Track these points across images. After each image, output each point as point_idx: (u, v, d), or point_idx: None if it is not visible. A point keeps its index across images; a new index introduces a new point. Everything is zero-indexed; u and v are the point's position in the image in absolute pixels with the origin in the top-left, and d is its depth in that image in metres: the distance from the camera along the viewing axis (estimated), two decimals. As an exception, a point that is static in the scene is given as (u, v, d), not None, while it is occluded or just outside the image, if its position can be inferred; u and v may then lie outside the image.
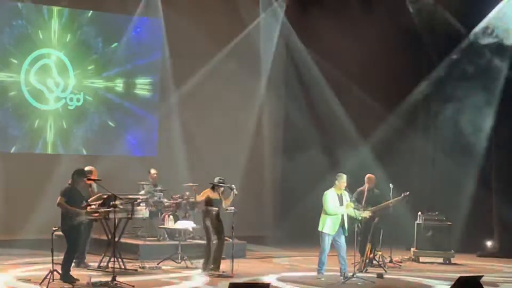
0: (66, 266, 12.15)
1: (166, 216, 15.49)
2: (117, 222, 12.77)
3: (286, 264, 15.73)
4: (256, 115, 20.30)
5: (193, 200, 15.60)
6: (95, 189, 13.79)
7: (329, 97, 19.31)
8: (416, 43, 18.75)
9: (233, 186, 13.79)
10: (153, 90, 19.37)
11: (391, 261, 15.61)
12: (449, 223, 16.62)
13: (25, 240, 15.93)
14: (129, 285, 11.92)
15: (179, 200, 15.90)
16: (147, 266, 14.06)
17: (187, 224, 15.13)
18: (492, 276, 14.16)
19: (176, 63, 18.94)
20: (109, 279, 12.01)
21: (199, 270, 13.86)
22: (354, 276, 13.41)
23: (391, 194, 15.15)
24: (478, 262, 16.84)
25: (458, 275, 10.77)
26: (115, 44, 18.78)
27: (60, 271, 12.05)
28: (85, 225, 12.90)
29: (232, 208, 13.68)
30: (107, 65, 18.76)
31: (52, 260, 11.95)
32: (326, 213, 13.36)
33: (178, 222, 15.24)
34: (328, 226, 13.35)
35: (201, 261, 14.02)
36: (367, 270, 14.41)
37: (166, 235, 15.64)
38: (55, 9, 18.11)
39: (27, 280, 12.39)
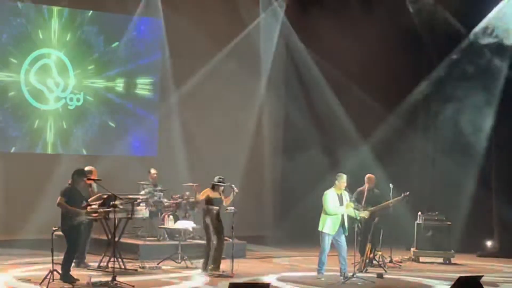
0: (66, 266, 12.15)
1: (166, 216, 15.50)
2: (117, 222, 12.77)
3: (286, 264, 15.73)
4: (256, 115, 20.30)
5: (193, 200, 15.62)
6: (95, 189, 13.79)
7: (329, 97, 19.31)
8: (416, 43, 18.75)
9: (233, 185, 13.80)
10: (153, 90, 19.37)
11: (391, 261, 15.61)
12: (449, 223, 16.62)
13: (25, 240, 15.94)
14: (129, 285, 11.92)
15: (179, 200, 15.91)
16: (147, 266, 14.06)
17: (187, 224, 15.13)
18: (492, 276, 14.16)
19: (176, 63, 18.94)
20: (109, 279, 12.01)
21: (199, 270, 13.86)
22: (354, 276, 13.41)
23: (391, 194, 15.15)
24: (478, 262, 16.84)
25: (458, 275, 10.78)
26: (115, 44, 18.79)
27: (60, 271, 12.05)
28: (85, 225, 12.90)
29: (232, 208, 13.69)
30: (107, 65, 18.77)
31: (52, 260, 11.95)
32: (326, 213, 13.37)
33: (178, 222, 15.24)
34: (328, 226, 13.35)
35: (201, 261, 14.02)
36: (367, 270, 14.41)
37: (166, 235, 15.64)
38: (55, 9, 18.12)
39: (27, 280, 12.39)
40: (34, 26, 17.91)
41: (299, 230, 18.52)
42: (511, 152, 18.04)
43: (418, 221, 16.64)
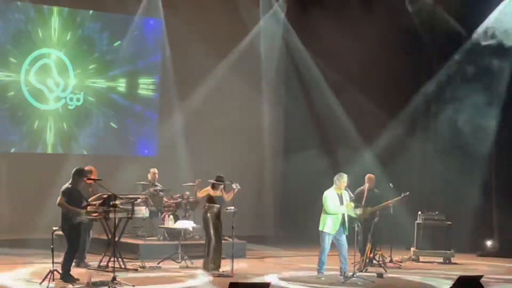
0: (66, 265, 12.16)
1: (166, 215, 15.51)
2: (117, 221, 12.78)
3: (286, 264, 15.73)
4: (256, 115, 20.31)
5: (193, 199, 15.63)
6: (95, 188, 13.78)
7: (329, 97, 19.31)
8: (416, 44, 18.75)
9: (234, 184, 13.80)
10: (153, 90, 19.37)
11: (391, 261, 15.61)
12: (449, 222, 16.62)
13: (26, 240, 15.95)
14: (129, 284, 11.93)
15: (179, 200, 15.92)
16: (147, 265, 14.07)
17: (187, 224, 15.13)
18: (492, 276, 14.16)
19: (176, 63, 18.94)
20: (109, 278, 12.02)
21: (199, 270, 13.86)
22: (354, 275, 13.42)
23: (391, 194, 15.15)
24: (478, 262, 16.84)
25: (458, 275, 10.78)
26: (116, 44, 18.78)
27: (60, 271, 12.07)
28: (85, 225, 12.91)
29: (232, 207, 13.70)
30: (108, 65, 18.76)
31: (53, 259, 11.98)
32: (326, 213, 13.38)
33: (178, 221, 15.25)
34: (328, 225, 13.36)
35: (201, 260, 14.03)
36: (367, 269, 14.41)
37: (166, 235, 15.65)
38: (55, 8, 18.11)
39: (27, 280, 12.39)
40: (34, 25, 17.90)
41: (299, 230, 18.53)
42: (511, 152, 18.04)
43: (418, 221, 16.64)
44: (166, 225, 15.41)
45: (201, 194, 13.83)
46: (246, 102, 19.83)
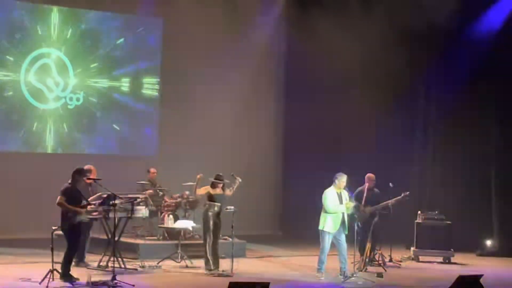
0: (66, 265, 12.16)
1: (166, 215, 15.50)
2: (117, 221, 12.78)
3: (286, 263, 15.73)
4: (256, 115, 20.30)
5: (193, 198, 15.62)
6: (95, 188, 13.77)
7: (329, 97, 19.29)
8: (416, 43, 18.72)
9: (237, 179, 13.79)
10: (153, 89, 19.38)
11: (391, 260, 15.62)
12: (448, 222, 16.61)
13: (25, 240, 15.96)
14: (129, 284, 11.93)
15: (179, 199, 15.91)
16: (147, 265, 14.06)
17: (186, 224, 15.13)
18: (491, 276, 14.14)
19: (176, 63, 18.94)
20: (109, 278, 12.02)
21: (199, 269, 13.86)
22: (354, 275, 13.43)
23: (390, 193, 15.14)
24: (478, 261, 16.84)
25: (458, 274, 10.78)
26: (115, 43, 18.80)
27: (60, 270, 12.06)
28: (85, 224, 12.90)
29: (232, 207, 13.69)
30: (107, 65, 18.78)
31: (52, 259, 11.97)
32: (326, 212, 13.38)
33: (178, 221, 15.24)
34: (328, 224, 13.36)
35: (201, 260, 14.02)
36: (366, 269, 14.42)
37: (166, 235, 15.64)
38: (55, 8, 18.13)
39: (27, 279, 12.39)
40: (34, 25, 17.92)
41: (299, 229, 18.53)
42: (510, 151, 18.03)
43: (418, 220, 16.64)
44: (165, 225, 15.40)
45: (200, 191, 13.81)
46: (246, 102, 19.82)
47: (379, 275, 13.94)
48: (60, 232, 12.29)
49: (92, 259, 13.98)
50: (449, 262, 16.35)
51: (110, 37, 18.78)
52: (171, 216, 15.42)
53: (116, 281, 11.91)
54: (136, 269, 13.67)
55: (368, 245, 14.65)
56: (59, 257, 12.14)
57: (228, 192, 13.82)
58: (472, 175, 18.19)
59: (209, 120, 19.17)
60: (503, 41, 17.95)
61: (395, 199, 15.15)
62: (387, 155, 18.39)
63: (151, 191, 16.04)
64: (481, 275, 10.50)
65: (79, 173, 12.40)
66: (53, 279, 11.87)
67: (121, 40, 18.88)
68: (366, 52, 18.40)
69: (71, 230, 12.18)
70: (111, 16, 18.82)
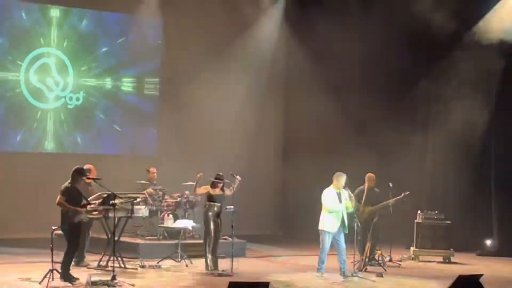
0: (66, 265, 12.15)
1: (166, 215, 15.50)
2: (116, 221, 12.79)
3: (286, 263, 15.73)
4: (256, 115, 20.30)
5: (193, 197, 15.62)
6: (94, 188, 13.78)
7: (329, 97, 19.29)
8: (416, 43, 18.72)
9: (236, 177, 13.78)
10: (153, 89, 19.38)
11: (390, 260, 15.63)
12: (448, 222, 16.62)
13: (25, 239, 15.95)
14: (129, 284, 11.93)
15: (179, 199, 15.91)
16: (147, 265, 14.06)
17: (186, 223, 15.13)
18: (491, 275, 14.14)
19: (176, 63, 18.94)
20: (108, 278, 12.02)
21: (199, 269, 13.86)
22: (354, 275, 13.43)
23: (390, 193, 15.15)
24: (477, 261, 16.84)
25: (458, 274, 10.77)
26: (115, 43, 18.80)
27: (59, 270, 12.06)
28: (84, 224, 12.90)
29: (232, 207, 13.70)
30: (107, 64, 18.79)
31: (52, 259, 11.96)
32: (326, 211, 13.38)
33: (178, 221, 15.24)
34: (328, 224, 13.36)
35: (201, 260, 14.02)
36: (366, 269, 14.42)
37: (166, 234, 15.64)
38: (55, 8, 18.13)
39: (27, 279, 12.39)
40: (34, 24, 17.93)
41: (299, 229, 18.53)
42: (510, 151, 18.04)
43: (417, 220, 16.64)
44: (165, 224, 15.40)
45: (200, 191, 13.81)
46: (246, 102, 19.83)
47: (379, 275, 13.94)
48: (60, 232, 12.28)
49: (92, 258, 13.98)
50: (449, 262, 16.36)
51: (110, 37, 18.77)
52: (171, 215, 15.43)
53: (116, 281, 11.91)
54: (136, 269, 13.66)
55: (368, 245, 14.66)
56: (59, 257, 12.14)
57: (228, 192, 13.81)
58: (472, 175, 18.19)
59: (209, 120, 19.16)
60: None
61: (395, 199, 15.15)
62: (387, 155, 18.38)
63: (150, 190, 16.03)
64: (481, 275, 10.48)
65: (79, 172, 12.39)
66: (53, 279, 11.87)
67: (121, 40, 18.88)
68: (366, 52, 18.41)
69: (71, 229, 12.17)
70: (111, 16, 18.82)
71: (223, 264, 13.78)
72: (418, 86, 19.13)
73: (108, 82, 18.83)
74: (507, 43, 17.83)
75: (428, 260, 16.37)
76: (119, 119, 18.96)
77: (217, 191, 13.73)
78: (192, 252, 14.86)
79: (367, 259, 14.60)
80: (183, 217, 15.59)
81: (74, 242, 12.30)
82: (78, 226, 12.31)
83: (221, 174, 13.81)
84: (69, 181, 12.32)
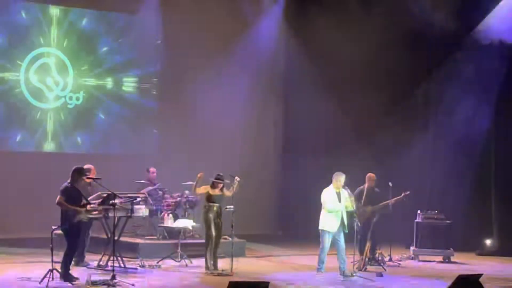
0: (65, 264, 12.15)
1: (166, 214, 15.50)
2: (116, 220, 12.79)
3: (286, 263, 15.73)
4: (256, 115, 20.30)
5: (192, 197, 15.62)
6: (94, 187, 13.77)
7: (329, 97, 19.29)
8: (416, 43, 18.72)
9: (235, 178, 13.77)
10: (153, 89, 19.38)
11: (390, 260, 15.63)
12: (448, 221, 16.62)
13: (25, 239, 15.95)
14: (129, 284, 11.93)
15: (179, 198, 15.91)
16: (147, 264, 14.06)
17: (186, 223, 15.13)
18: (491, 275, 14.15)
19: (176, 63, 18.94)
20: (108, 277, 12.02)
21: (199, 269, 13.86)
22: (354, 274, 13.43)
23: (390, 193, 15.15)
24: (477, 261, 16.84)
25: (458, 273, 10.78)
26: (115, 42, 18.80)
27: (59, 270, 12.06)
28: (84, 224, 12.90)
29: (232, 206, 13.69)
30: (107, 64, 18.78)
31: (52, 259, 11.96)
32: (326, 211, 13.38)
33: (178, 220, 15.24)
34: (328, 224, 13.37)
35: (201, 259, 14.02)
36: (366, 268, 14.42)
37: (166, 234, 15.64)
38: (55, 7, 18.13)
39: (27, 279, 12.39)
40: (34, 25, 17.92)
41: (299, 229, 18.53)
42: (510, 151, 18.04)
43: (417, 220, 16.64)
44: (165, 224, 15.40)
45: (200, 190, 13.80)
46: (246, 102, 19.82)
47: (379, 274, 13.94)
48: (60, 232, 12.29)
49: (92, 258, 13.98)
50: (449, 262, 16.35)
51: (110, 37, 18.77)
52: (170, 215, 15.43)
53: (116, 281, 11.91)
54: (136, 269, 13.66)
55: (368, 245, 14.66)
56: (59, 256, 12.14)
57: (228, 192, 13.80)
58: (472, 175, 18.18)
59: (209, 120, 19.15)
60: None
61: (395, 198, 15.16)
62: (387, 155, 18.39)
63: (150, 188, 16.04)
64: (480, 275, 10.50)
65: (79, 172, 12.40)
66: (52, 278, 11.87)
67: (121, 39, 18.88)
68: (366, 52, 18.39)
69: (71, 229, 12.18)
70: (111, 16, 18.82)
71: (223, 263, 13.78)
72: (418, 86, 19.14)
73: (108, 82, 18.83)
74: (507, 44, 17.84)
75: (428, 259, 16.36)
76: (119, 119, 18.95)
77: (216, 192, 13.72)
78: (192, 252, 14.86)
79: (367, 259, 14.60)
80: (183, 217, 15.59)
81: (74, 242, 12.31)
82: (78, 226, 12.32)
83: (221, 174, 13.79)
84: (69, 181, 12.33)
